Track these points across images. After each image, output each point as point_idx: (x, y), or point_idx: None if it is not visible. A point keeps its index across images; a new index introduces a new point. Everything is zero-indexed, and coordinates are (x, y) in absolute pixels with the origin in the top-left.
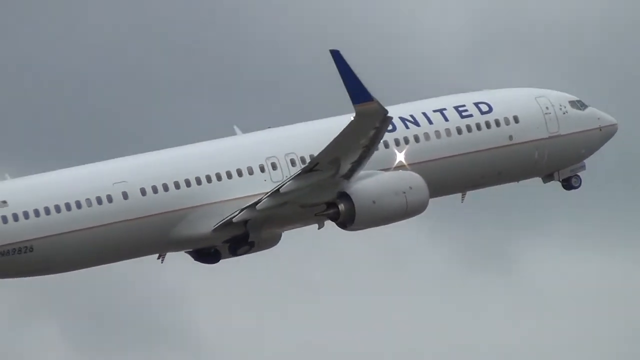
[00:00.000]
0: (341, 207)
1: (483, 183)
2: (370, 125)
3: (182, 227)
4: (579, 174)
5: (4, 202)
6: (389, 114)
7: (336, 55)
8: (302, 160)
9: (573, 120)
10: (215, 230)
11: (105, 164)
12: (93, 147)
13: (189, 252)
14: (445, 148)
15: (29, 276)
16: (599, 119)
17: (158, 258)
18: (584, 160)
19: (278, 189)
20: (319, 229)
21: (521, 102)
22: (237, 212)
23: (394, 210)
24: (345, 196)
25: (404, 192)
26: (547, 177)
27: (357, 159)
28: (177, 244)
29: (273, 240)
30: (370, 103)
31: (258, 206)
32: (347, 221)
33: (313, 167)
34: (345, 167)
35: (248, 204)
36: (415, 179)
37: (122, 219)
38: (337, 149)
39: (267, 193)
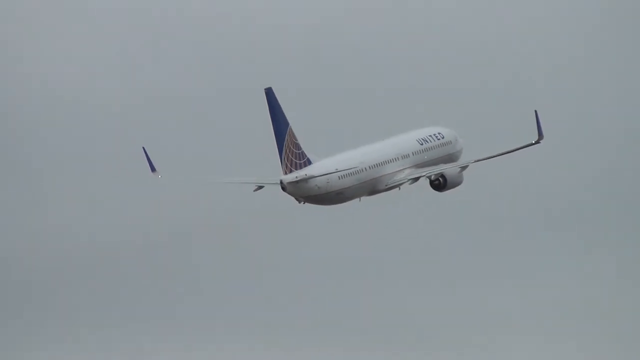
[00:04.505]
0: (442, 180)
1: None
2: (523, 147)
3: (376, 185)
4: None
5: (356, 167)
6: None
7: (536, 114)
8: (405, 155)
9: (459, 145)
10: (387, 187)
11: (356, 150)
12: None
13: None
14: (438, 151)
15: (338, 203)
16: (462, 144)
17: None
18: None
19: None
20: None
21: (451, 135)
22: (406, 181)
23: (459, 182)
24: (442, 176)
25: (461, 175)
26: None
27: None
28: (374, 193)
29: None
30: (541, 138)
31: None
32: (442, 187)
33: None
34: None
35: (412, 176)
36: (458, 169)
37: (364, 181)
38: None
39: (419, 174)
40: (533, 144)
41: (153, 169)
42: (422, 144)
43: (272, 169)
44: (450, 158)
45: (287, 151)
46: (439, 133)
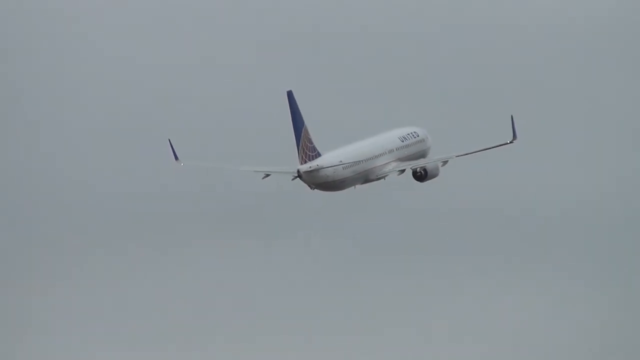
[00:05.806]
0: (422, 172)
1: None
2: (498, 146)
3: (368, 175)
4: None
5: (363, 159)
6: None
7: (512, 118)
8: (391, 150)
9: (429, 142)
10: (377, 178)
11: (352, 145)
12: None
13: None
14: (415, 148)
15: (339, 190)
16: (431, 142)
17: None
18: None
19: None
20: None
21: (423, 133)
22: (395, 172)
23: (437, 174)
24: (424, 169)
25: (439, 168)
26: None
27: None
28: (367, 182)
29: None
30: (515, 139)
31: (401, 170)
32: (423, 178)
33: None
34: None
35: (399, 168)
36: (437, 162)
37: (360, 172)
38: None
39: (406, 167)
40: (508, 143)
41: (176, 158)
42: (402, 141)
43: (291, 159)
44: (422, 154)
45: (303, 145)
46: (414, 132)
